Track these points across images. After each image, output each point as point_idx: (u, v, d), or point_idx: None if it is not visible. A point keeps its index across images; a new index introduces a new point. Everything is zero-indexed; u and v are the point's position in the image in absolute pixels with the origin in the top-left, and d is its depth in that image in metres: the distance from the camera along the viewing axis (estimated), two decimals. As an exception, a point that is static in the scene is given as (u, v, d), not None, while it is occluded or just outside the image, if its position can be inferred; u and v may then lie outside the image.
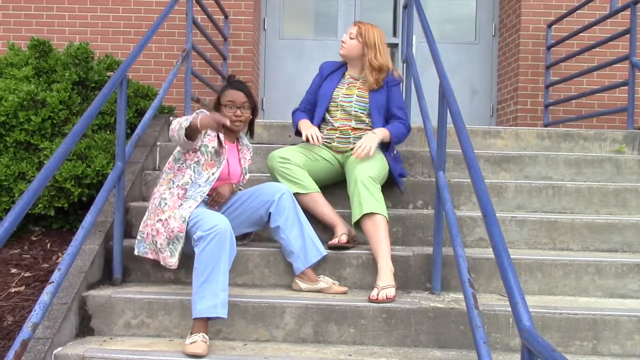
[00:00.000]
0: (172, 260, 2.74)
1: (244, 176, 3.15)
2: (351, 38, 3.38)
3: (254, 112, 3.08)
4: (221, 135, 2.92)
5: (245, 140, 3.18)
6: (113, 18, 5.87)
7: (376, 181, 3.08)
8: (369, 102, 3.36)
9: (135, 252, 2.87)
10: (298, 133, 3.41)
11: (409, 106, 4.51)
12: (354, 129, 3.37)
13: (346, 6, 6.47)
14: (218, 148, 2.90)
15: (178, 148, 2.92)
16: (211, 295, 2.48)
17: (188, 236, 2.69)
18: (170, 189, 2.83)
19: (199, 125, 2.68)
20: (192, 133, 2.72)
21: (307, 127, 3.31)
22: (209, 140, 2.89)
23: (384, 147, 3.35)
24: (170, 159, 2.95)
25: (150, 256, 2.83)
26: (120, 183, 3.01)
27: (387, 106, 3.38)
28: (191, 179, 2.83)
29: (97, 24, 5.87)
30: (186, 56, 4.34)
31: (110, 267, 3.05)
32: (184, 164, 2.88)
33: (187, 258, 2.77)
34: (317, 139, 3.24)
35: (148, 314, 2.73)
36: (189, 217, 2.70)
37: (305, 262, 2.92)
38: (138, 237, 2.87)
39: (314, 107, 3.49)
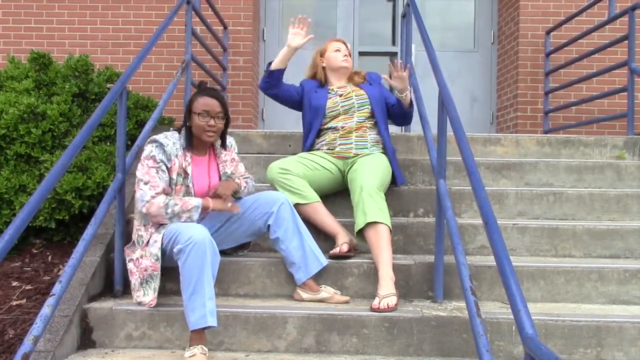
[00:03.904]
0: (145, 299, 2.71)
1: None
2: (349, 53, 3.63)
3: (227, 122, 2.92)
4: (184, 160, 2.82)
5: (222, 143, 3.00)
6: (113, 30, 5.90)
7: (380, 190, 3.09)
8: (367, 95, 3.47)
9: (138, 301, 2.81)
10: (269, 72, 3.48)
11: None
12: (356, 129, 3.39)
13: (345, 16, 6.50)
14: (181, 172, 2.80)
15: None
16: (199, 306, 2.47)
17: (171, 251, 2.65)
18: (144, 225, 2.78)
19: (210, 209, 2.80)
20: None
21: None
22: (171, 171, 2.77)
23: (389, 136, 3.48)
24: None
25: (133, 294, 2.79)
26: (121, 194, 3.00)
27: (383, 99, 3.51)
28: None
29: (97, 36, 5.90)
30: (186, 67, 4.35)
31: (111, 279, 3.04)
32: None
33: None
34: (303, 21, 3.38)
35: (149, 326, 2.72)
36: (164, 237, 2.68)
37: (306, 272, 2.91)
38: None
39: (286, 89, 3.54)
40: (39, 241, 3.66)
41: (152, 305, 2.70)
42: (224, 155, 3.01)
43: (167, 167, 2.76)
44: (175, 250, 2.57)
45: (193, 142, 2.87)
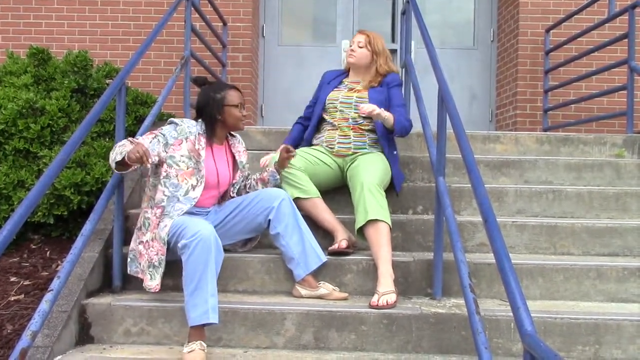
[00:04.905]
0: (151, 283, 2.72)
1: (241, 170, 3.13)
2: (360, 47, 3.48)
3: None
4: (198, 144, 2.88)
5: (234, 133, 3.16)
6: (112, 26, 5.88)
7: (381, 187, 3.09)
8: (368, 100, 3.40)
9: (128, 271, 2.88)
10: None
11: (408, 112, 4.51)
12: (354, 127, 3.38)
13: (345, 12, 6.49)
14: (194, 155, 2.85)
15: (150, 174, 2.89)
16: (202, 302, 2.47)
17: (174, 245, 2.67)
18: (151, 207, 2.82)
19: (127, 160, 2.60)
20: (122, 165, 2.67)
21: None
22: (174, 150, 2.82)
23: (388, 142, 3.39)
24: (149, 172, 2.90)
25: (140, 276, 2.83)
26: (120, 190, 3.00)
27: (387, 105, 3.42)
28: (165, 194, 2.79)
29: (96, 31, 5.88)
30: (185, 63, 4.35)
31: (109, 274, 3.04)
32: (157, 180, 2.84)
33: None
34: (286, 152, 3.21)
35: (148, 322, 2.72)
36: (169, 231, 2.70)
37: (306, 268, 2.91)
38: (130, 255, 2.87)
39: (311, 115, 3.58)
40: (37, 237, 3.65)
41: (156, 290, 2.72)
42: (237, 144, 3.13)
43: (166, 142, 2.82)
44: (180, 244, 2.58)
45: (217, 132, 2.99)
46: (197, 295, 2.48)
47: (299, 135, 3.59)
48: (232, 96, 2.97)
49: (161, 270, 2.73)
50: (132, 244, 2.87)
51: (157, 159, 2.79)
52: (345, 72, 3.63)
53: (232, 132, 3.10)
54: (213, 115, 2.94)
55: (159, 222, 2.77)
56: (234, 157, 3.12)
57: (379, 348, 2.66)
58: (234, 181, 3.12)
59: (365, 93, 3.44)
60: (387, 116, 3.25)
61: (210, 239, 2.54)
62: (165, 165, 2.81)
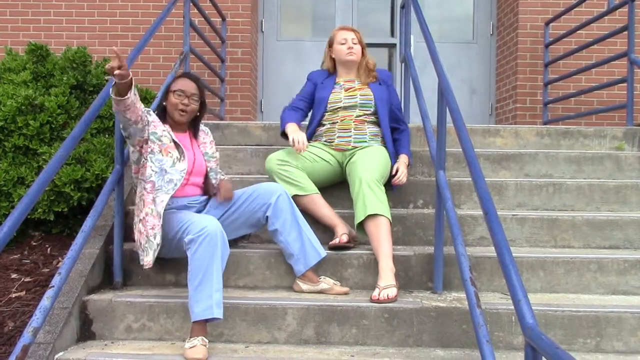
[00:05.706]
0: (147, 258, 2.70)
1: (209, 160, 3.05)
2: (355, 43, 3.48)
3: (202, 108, 3.01)
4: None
5: (200, 126, 3.08)
6: (110, 22, 5.88)
7: (380, 182, 3.08)
8: (373, 96, 3.39)
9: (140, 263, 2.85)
10: (284, 135, 3.36)
11: (407, 106, 4.51)
12: (356, 120, 3.37)
13: (344, 7, 6.48)
14: (167, 135, 2.86)
15: (131, 149, 2.87)
16: (206, 297, 2.47)
17: (179, 241, 2.67)
18: (140, 183, 2.83)
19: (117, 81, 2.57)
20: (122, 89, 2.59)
21: (294, 131, 3.28)
22: (154, 126, 2.84)
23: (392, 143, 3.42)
24: (133, 164, 2.91)
25: (138, 251, 2.82)
26: (120, 186, 3.00)
27: (389, 101, 3.45)
28: (152, 170, 2.78)
29: (95, 28, 5.87)
30: (184, 59, 4.34)
31: (110, 270, 3.04)
32: (142, 160, 2.84)
33: (186, 260, 2.76)
34: (302, 144, 3.18)
35: (149, 318, 2.72)
36: (173, 226, 2.69)
37: (305, 264, 2.91)
38: (135, 236, 2.86)
39: (306, 107, 3.55)
40: (37, 233, 3.65)
41: (148, 266, 2.69)
42: (202, 138, 3.08)
43: (149, 114, 2.85)
44: (186, 240, 2.57)
45: (167, 122, 2.96)
46: (202, 290, 2.48)
47: (299, 117, 3.51)
48: (176, 83, 2.93)
49: (155, 245, 2.68)
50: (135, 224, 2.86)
51: (142, 110, 2.75)
52: (330, 73, 3.56)
53: (200, 126, 3.06)
54: (162, 101, 2.97)
55: (154, 197, 2.74)
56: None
57: (380, 342, 2.66)
58: (207, 169, 3.04)
59: (368, 90, 3.42)
60: (407, 162, 3.40)
61: (217, 234, 2.54)
62: (149, 142, 2.82)
